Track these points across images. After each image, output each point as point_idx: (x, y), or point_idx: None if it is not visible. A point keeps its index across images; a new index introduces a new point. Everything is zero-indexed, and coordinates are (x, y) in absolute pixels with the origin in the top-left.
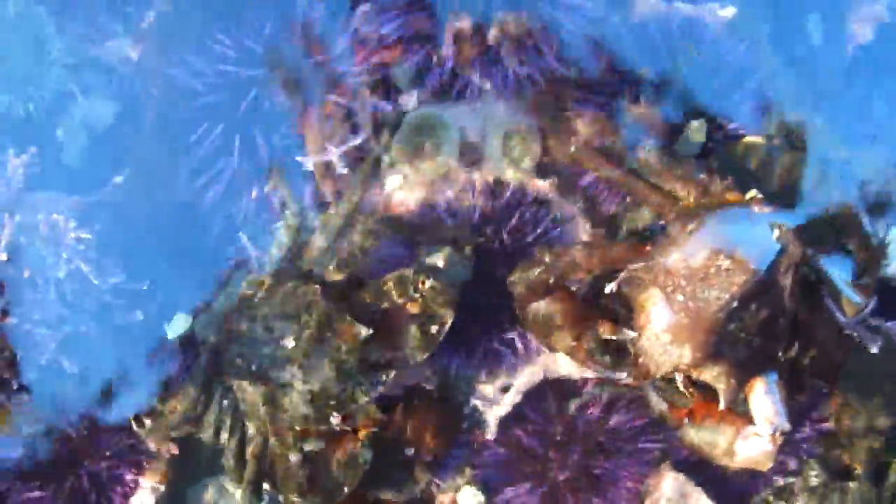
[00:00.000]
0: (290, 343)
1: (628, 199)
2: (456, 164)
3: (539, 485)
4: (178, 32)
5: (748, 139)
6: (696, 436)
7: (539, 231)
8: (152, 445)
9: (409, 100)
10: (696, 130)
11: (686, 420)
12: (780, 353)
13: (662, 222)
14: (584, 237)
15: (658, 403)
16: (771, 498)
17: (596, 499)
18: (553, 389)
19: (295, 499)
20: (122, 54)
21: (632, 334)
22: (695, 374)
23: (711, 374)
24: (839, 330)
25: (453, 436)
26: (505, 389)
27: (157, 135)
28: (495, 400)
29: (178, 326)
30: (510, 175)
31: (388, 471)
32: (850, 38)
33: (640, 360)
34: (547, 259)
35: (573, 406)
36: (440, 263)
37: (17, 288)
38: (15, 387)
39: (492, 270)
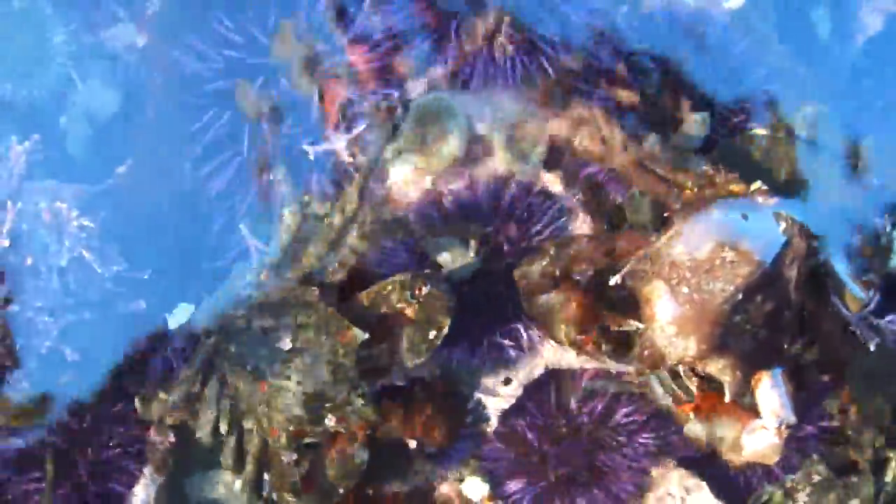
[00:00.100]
0: (286, 344)
1: (633, 191)
2: (462, 154)
3: (541, 477)
4: (183, 18)
5: (753, 131)
6: (702, 430)
7: (545, 222)
8: (153, 435)
9: (416, 88)
10: (699, 123)
11: (692, 415)
12: (785, 346)
13: (667, 214)
14: (588, 229)
15: (663, 398)
16: (774, 493)
17: (598, 493)
18: (556, 382)
19: (290, 499)
20: (127, 41)
21: (639, 326)
22: (700, 367)
23: (717, 367)
24: (845, 324)
25: (458, 428)
26: (507, 382)
27: (161, 123)
28: (498, 392)
29: (180, 316)
30: (516, 167)
31: (391, 461)
32: (859, 30)
33: (646, 352)
34: (552, 252)
35: (576, 399)
36: (446, 256)
37: (19, 275)
38: (15, 375)
39: (497, 263)
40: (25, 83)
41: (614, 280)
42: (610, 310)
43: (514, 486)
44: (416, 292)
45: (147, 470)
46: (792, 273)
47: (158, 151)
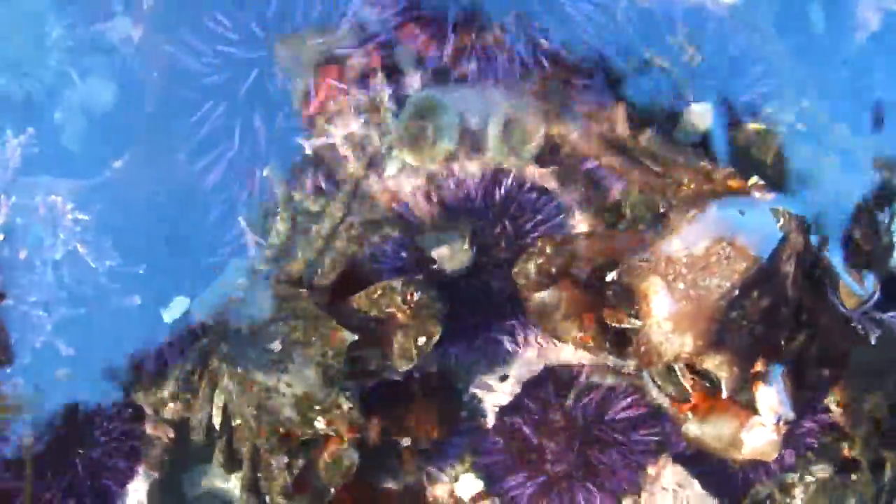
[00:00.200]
0: (276, 346)
1: (630, 187)
2: (456, 150)
3: (537, 474)
4: (179, 13)
5: (749, 126)
6: (700, 430)
7: (540, 218)
8: (148, 430)
9: (412, 82)
10: (700, 116)
11: (689, 415)
12: (783, 342)
13: (664, 210)
14: (584, 225)
15: (659, 398)
16: (772, 491)
17: (594, 489)
18: (552, 378)
19: (281, 500)
20: (123, 35)
21: (637, 322)
22: (697, 363)
23: (713, 363)
24: (844, 319)
25: (452, 423)
26: (503, 378)
27: (157, 117)
28: (494, 388)
29: (175, 310)
30: (511, 162)
31: (384, 459)
32: (857, 27)
33: (643, 348)
34: (548, 250)
35: (573, 395)
36: (441, 251)
37: (13, 269)
38: (8, 370)
39: (492, 258)
40: (21, 77)
41: (611, 276)
42: (608, 306)
43: (510, 482)
44: (408, 298)
45: (142, 467)
46: (789, 268)
47: (154, 145)
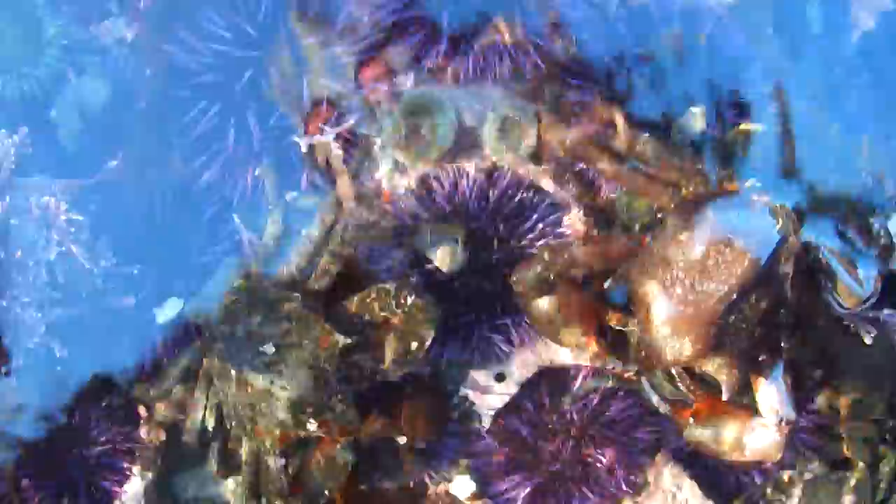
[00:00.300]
0: (270, 349)
1: (626, 191)
2: (451, 149)
3: (533, 475)
4: (173, 12)
5: (746, 126)
6: (702, 434)
7: (535, 218)
8: (143, 433)
9: (406, 81)
10: (697, 116)
11: (691, 420)
12: (782, 343)
13: (660, 214)
14: (580, 225)
15: (659, 404)
16: (768, 490)
17: (590, 490)
18: (549, 379)
19: (278, 502)
20: (117, 35)
21: (636, 326)
22: (696, 367)
23: (713, 366)
24: (837, 319)
25: (443, 423)
26: (499, 379)
27: (152, 116)
28: (489, 389)
29: (168, 311)
30: (506, 161)
31: (379, 459)
32: (853, 27)
33: (642, 353)
34: (546, 256)
35: (570, 397)
36: (436, 252)
37: (7, 270)
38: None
39: (486, 258)
40: (16, 76)
41: (608, 283)
42: (607, 311)
43: (505, 483)
44: (401, 302)
45: (136, 468)
46: (787, 270)
47: (148, 144)
